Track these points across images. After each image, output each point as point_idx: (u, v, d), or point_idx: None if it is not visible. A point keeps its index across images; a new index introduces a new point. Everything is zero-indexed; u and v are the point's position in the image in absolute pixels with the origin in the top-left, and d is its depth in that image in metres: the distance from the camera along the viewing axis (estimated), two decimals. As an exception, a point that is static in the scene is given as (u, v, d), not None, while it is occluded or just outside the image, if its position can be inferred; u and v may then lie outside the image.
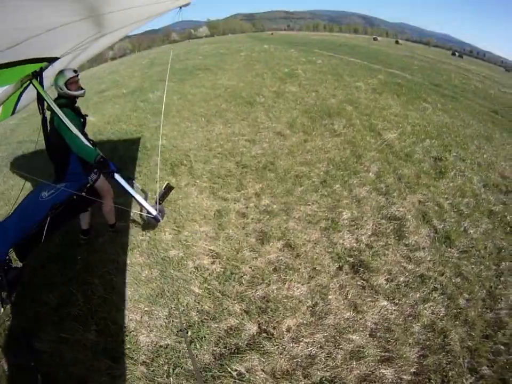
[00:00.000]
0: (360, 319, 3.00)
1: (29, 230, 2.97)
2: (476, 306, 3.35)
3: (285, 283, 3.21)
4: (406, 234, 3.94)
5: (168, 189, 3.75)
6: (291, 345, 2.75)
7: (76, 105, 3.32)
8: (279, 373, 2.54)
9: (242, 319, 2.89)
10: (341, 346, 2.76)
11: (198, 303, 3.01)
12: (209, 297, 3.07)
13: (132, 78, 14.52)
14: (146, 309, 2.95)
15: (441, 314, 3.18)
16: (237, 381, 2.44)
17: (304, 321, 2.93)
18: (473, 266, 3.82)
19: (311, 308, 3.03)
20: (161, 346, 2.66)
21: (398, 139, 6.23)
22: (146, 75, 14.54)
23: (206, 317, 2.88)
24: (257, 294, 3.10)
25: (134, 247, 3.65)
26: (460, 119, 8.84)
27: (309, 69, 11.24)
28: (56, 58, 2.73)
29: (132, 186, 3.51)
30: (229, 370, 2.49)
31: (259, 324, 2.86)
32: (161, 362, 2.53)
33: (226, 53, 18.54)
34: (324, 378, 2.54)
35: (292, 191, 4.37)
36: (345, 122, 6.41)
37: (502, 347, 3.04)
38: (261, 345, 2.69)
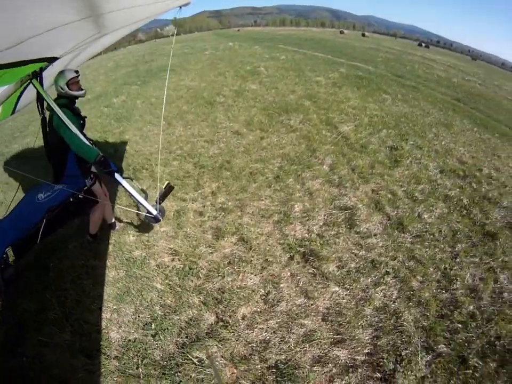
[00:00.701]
0: (312, 304, 3.15)
1: (25, 231, 3.02)
2: (430, 287, 3.52)
3: (239, 275, 3.37)
4: (358, 223, 4.12)
5: (169, 188, 3.71)
6: (246, 332, 2.90)
7: (76, 106, 3.30)
8: (237, 358, 2.69)
9: (201, 310, 3.05)
10: (293, 330, 2.92)
11: (161, 298, 3.16)
12: (171, 292, 3.22)
13: (96, 82, 14.24)
14: (114, 307, 3.07)
15: (393, 297, 3.33)
16: (198, 367, 2.58)
17: (258, 309, 3.08)
18: (427, 249, 3.99)
19: (264, 296, 3.18)
20: (130, 340, 2.80)
21: (354, 131, 6.45)
22: (111, 78, 14.30)
23: (168, 310, 3.04)
24: (214, 286, 3.26)
25: (101, 251, 3.73)
26: (419, 108, 9.12)
27: (272, 65, 11.39)
28: (56, 58, 2.71)
29: (132, 186, 3.48)
30: (191, 358, 2.64)
31: (216, 314, 3.02)
32: (131, 355, 2.67)
33: (191, 52, 18.47)
34: (279, 361, 2.69)
35: (246, 188, 4.49)
36: (302, 118, 6.57)
37: (460, 325, 3.22)
38: (219, 333, 2.84)
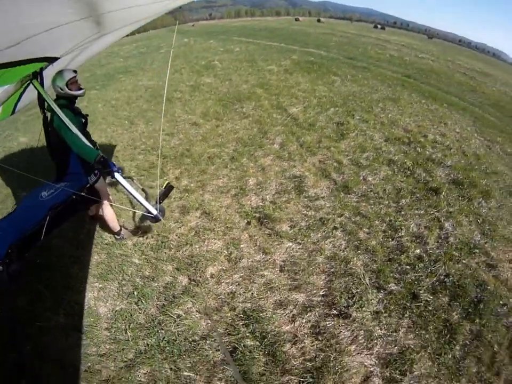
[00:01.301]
0: (269, 259, 3.63)
1: (29, 229, 3.01)
2: (376, 237, 3.99)
3: (205, 241, 3.81)
4: (306, 189, 4.64)
5: (169, 188, 3.74)
6: (215, 287, 3.35)
7: (76, 105, 3.32)
8: (208, 310, 3.12)
9: (175, 275, 3.47)
10: (255, 281, 3.38)
11: (139, 270, 3.55)
12: (147, 264, 3.62)
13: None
14: (100, 285, 3.42)
15: (342, 247, 3.81)
16: (177, 321, 3.01)
17: (223, 267, 3.55)
18: (372, 206, 4.45)
19: (227, 256, 3.66)
20: (116, 311, 3.15)
21: (302, 112, 6.98)
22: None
23: (147, 280, 3.43)
24: (184, 254, 3.69)
25: (83, 241, 4.00)
26: (368, 86, 9.65)
27: (226, 58, 11.73)
28: (56, 58, 2.71)
29: (132, 185, 3.51)
30: (170, 315, 3.06)
31: (188, 276, 3.45)
32: (119, 324, 3.03)
33: (147, 51, 18.47)
34: (245, 308, 3.13)
35: (206, 170, 4.93)
36: (254, 105, 7.03)
37: (408, 267, 3.66)
38: (192, 291, 3.27)
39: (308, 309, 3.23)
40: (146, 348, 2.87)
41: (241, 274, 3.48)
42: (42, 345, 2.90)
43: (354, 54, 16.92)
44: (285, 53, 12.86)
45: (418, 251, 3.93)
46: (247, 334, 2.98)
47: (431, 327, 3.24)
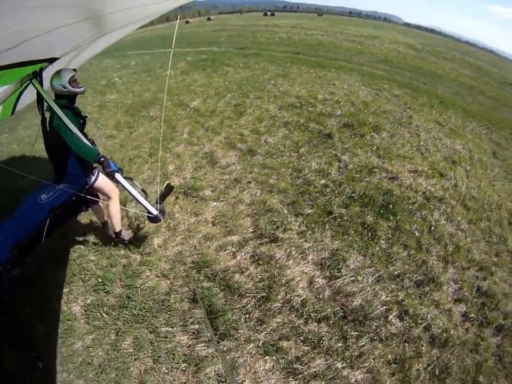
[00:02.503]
0: (201, 218, 4.33)
1: (29, 232, 2.99)
2: (285, 180, 4.88)
3: (145, 222, 4.22)
4: (217, 160, 5.51)
5: (169, 188, 3.75)
6: (163, 252, 3.88)
7: (75, 105, 3.29)
8: (164, 272, 3.64)
9: (128, 256, 3.87)
10: (195, 237, 4.01)
11: (98, 264, 3.81)
12: (103, 256, 3.91)
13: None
14: (67, 290, 3.55)
15: (258, 194, 4.68)
16: (141, 288, 3.46)
17: (166, 236, 4.10)
18: (276, 159, 5.35)
19: (166, 227, 4.19)
20: (88, 304, 3.38)
21: (202, 103, 7.81)
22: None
23: (107, 268, 3.75)
24: (137, 240, 4.06)
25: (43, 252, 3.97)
26: (259, 69, 10.62)
27: (125, 73, 11.95)
28: (56, 59, 2.71)
29: (132, 186, 3.52)
30: (135, 286, 3.50)
31: (140, 252, 3.90)
32: (94, 313, 3.29)
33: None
34: (193, 259, 3.73)
35: (130, 170, 5.43)
36: (159, 107, 7.55)
37: (317, 194, 4.54)
38: (147, 262, 3.74)
39: (244, 244, 3.88)
40: (124, 322, 3.16)
41: (182, 236, 4.08)
42: (28, 354, 2.96)
43: (244, 44, 17.89)
44: (179, 57, 13.37)
45: (323, 181, 4.84)
46: (201, 278, 3.52)
47: (351, 231, 4.00)
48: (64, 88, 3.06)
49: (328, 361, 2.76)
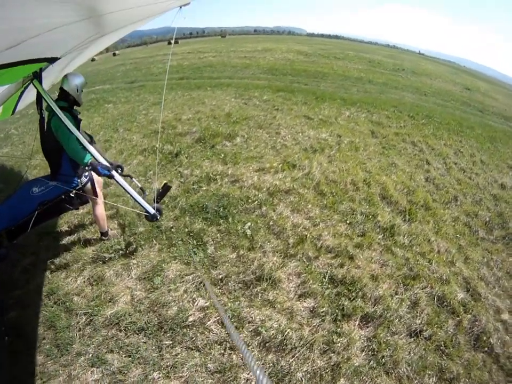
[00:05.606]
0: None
1: (17, 220, 3.15)
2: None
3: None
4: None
5: (166, 188, 3.77)
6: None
7: (74, 109, 3.33)
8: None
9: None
10: (47, 269, 3.76)
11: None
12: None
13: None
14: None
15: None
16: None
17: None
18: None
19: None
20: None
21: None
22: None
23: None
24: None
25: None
26: (138, 101, 11.17)
27: (21, 124, 11.22)
28: (56, 59, 2.74)
29: (131, 184, 3.53)
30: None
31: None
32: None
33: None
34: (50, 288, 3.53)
35: None
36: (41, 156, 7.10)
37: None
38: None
39: (83, 269, 3.77)
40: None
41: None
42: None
43: (136, 77, 18.13)
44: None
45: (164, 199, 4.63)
46: (50, 303, 3.42)
47: (178, 242, 4.00)
48: (77, 91, 3.22)
49: (145, 371, 2.73)
